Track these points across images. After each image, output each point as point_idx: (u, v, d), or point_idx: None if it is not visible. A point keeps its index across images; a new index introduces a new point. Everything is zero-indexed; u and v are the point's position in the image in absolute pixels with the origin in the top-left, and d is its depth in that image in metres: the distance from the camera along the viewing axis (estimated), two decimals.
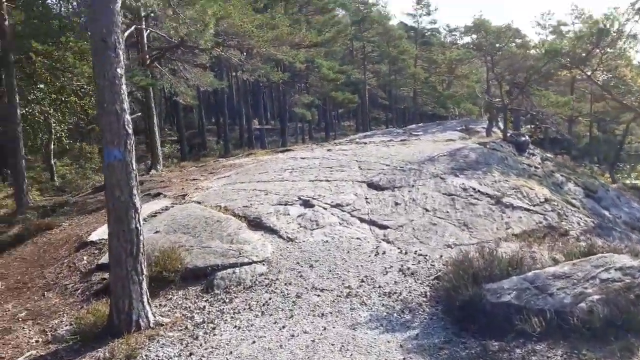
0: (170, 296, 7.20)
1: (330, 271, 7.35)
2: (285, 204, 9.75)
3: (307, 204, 9.75)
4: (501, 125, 17.57)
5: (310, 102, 34.04)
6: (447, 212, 9.26)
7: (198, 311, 6.65)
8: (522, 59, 18.40)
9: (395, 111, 52.62)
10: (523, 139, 14.70)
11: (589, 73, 9.10)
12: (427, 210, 9.34)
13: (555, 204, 9.56)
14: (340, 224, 8.93)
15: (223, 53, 20.44)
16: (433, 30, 50.79)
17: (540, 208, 9.34)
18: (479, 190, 9.89)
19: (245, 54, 24.07)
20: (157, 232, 9.09)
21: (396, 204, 9.64)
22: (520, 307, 5.52)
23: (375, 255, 7.89)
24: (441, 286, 6.73)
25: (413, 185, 10.39)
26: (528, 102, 16.93)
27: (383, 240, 8.41)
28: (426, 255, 7.83)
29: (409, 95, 51.88)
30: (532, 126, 25.38)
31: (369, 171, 11.56)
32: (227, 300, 6.80)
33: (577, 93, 31.84)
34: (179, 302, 6.97)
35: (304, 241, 8.30)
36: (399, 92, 49.78)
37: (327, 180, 11.11)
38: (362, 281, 7.08)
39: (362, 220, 9.10)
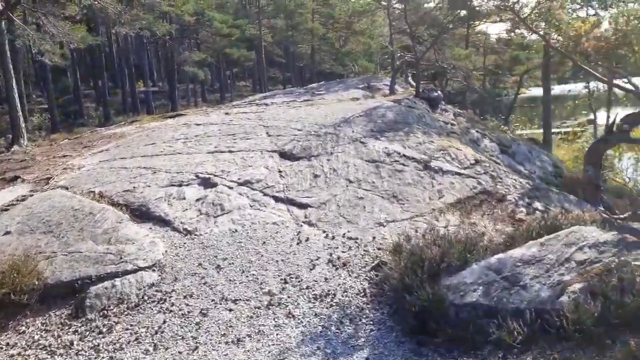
0: (23, 328, 5.21)
1: (244, 272, 5.77)
2: (180, 185, 7.87)
3: (207, 182, 7.94)
4: (411, 81, 16.75)
5: (202, 60, 31.02)
6: (373, 182, 8.00)
7: (63, 351, 4.76)
8: (430, 11, 17.56)
9: (294, 70, 50.67)
10: (435, 94, 13.89)
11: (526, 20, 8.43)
12: (350, 181, 8.00)
13: (487, 165, 8.74)
14: (251, 206, 7.29)
15: (96, 1, 17.20)
16: None
17: (472, 171, 8.44)
18: (404, 155, 8.74)
19: (123, 3, 20.74)
20: (6, 233, 6.84)
21: (315, 176, 8.18)
22: (491, 308, 4.39)
23: (298, 243, 6.42)
24: (381, 279, 5.48)
25: (332, 153, 8.97)
26: (440, 56, 16.25)
27: (304, 222, 6.94)
28: (357, 239, 6.52)
29: (306, 52, 50.12)
30: (436, 81, 25.24)
31: (280, 138, 9.93)
32: (104, 330, 4.97)
33: (471, 47, 32.30)
34: (36, 338, 5.03)
35: (206, 233, 6.58)
36: (296, 50, 47.83)
37: (231, 151, 9.32)
38: (285, 281, 5.60)
39: (277, 199, 7.53)
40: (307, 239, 6.50)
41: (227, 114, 14.11)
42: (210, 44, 33.78)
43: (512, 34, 31.85)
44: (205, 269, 5.80)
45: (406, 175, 8.14)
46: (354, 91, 23.26)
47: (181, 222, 6.79)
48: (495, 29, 33.21)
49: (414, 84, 16.00)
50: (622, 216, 8.20)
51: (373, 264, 5.92)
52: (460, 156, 8.89)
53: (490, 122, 18.46)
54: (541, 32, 8.79)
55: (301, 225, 6.86)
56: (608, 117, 8.90)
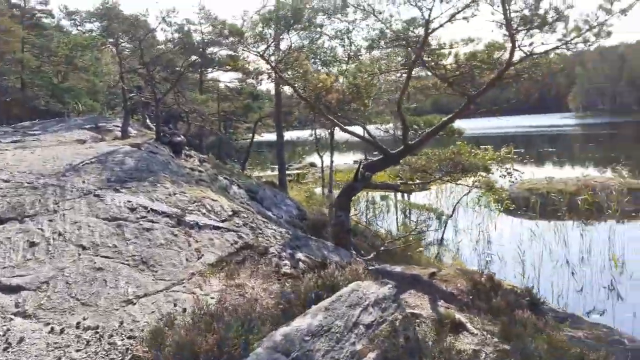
0: None
1: None
2: None
3: None
4: (149, 123, 15.32)
5: None
6: (115, 246, 6.46)
7: None
8: (164, 52, 16.58)
9: None
10: (179, 138, 12.91)
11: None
12: (84, 247, 6.28)
13: (246, 216, 8.13)
14: None
15: None
16: (44, 11, 43.03)
17: (231, 224, 7.71)
18: (152, 209, 7.43)
19: None
20: None
21: (32, 244, 6.15)
22: None
23: (5, 349, 4.48)
24: None
25: (56, 211, 7.01)
26: (181, 99, 15.31)
27: (17, 314, 4.98)
28: (98, 328, 4.95)
29: (15, 86, 42.68)
30: (176, 124, 24.20)
31: None
32: None
33: (206, 92, 32.61)
34: None
35: None
36: (3, 82, 40.13)
37: None
38: None
39: None
40: (21, 340, 4.62)
41: None
42: None
43: (244, 83, 33.61)
44: None
45: (157, 234, 6.87)
46: (79, 132, 20.40)
47: None
48: (227, 77, 34.34)
49: (152, 126, 14.69)
50: (368, 257, 8.67)
51: None
52: (216, 207, 8.08)
53: (234, 168, 18.40)
54: (291, 82, 8.90)
55: (11, 320, 4.89)
56: (358, 163, 9.50)
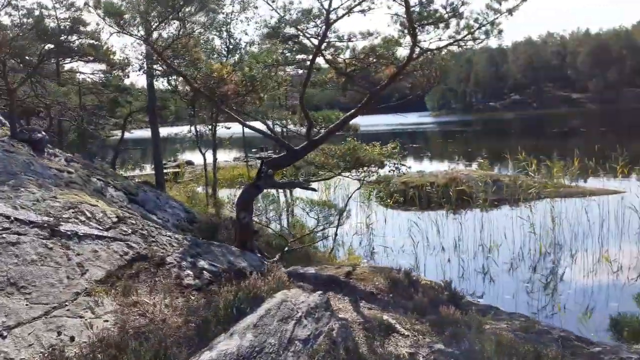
0: None
1: None
2: None
3: None
4: (1, 118, 13.01)
5: None
6: None
7: None
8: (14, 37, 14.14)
9: None
10: (40, 135, 11.08)
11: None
12: None
13: (134, 222, 7.09)
14: None
15: None
16: None
17: (117, 232, 6.66)
18: (17, 219, 6.12)
19: None
20: None
21: None
22: None
23: None
24: None
25: None
26: (41, 90, 13.16)
27: None
28: None
29: None
30: (34, 119, 21.08)
31: None
32: None
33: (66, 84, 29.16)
34: None
35: None
36: None
37: None
38: None
39: None
40: None
41: None
42: None
43: (109, 75, 30.65)
44: None
45: (27, 249, 5.66)
46: None
47: None
48: (88, 69, 31.10)
49: (6, 121, 12.53)
50: (273, 259, 8.21)
51: None
52: (97, 214, 6.97)
53: (107, 168, 16.56)
54: (181, 71, 8.00)
55: None
56: (260, 161, 8.92)
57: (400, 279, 6.56)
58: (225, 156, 39.45)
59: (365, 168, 10.14)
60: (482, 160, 27.76)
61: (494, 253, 13.56)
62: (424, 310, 5.52)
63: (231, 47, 21.18)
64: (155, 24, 7.64)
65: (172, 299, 5.57)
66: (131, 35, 7.58)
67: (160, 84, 22.29)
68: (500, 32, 7.42)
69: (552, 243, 14.04)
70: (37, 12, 24.06)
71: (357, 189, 14.23)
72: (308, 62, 9.69)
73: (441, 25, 7.81)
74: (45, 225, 6.19)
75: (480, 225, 15.70)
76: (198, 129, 19.68)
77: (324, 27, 7.85)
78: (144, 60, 19.51)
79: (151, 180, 21.12)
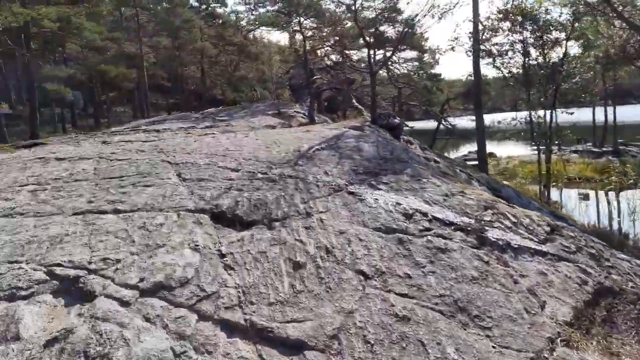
0: None
1: None
2: (11, 298, 3.47)
3: (73, 291, 3.63)
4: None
5: (70, 77, 25.10)
6: (409, 276, 4.23)
7: None
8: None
9: (183, 94, 45.47)
10: (397, 120, 10.71)
11: None
12: (366, 276, 4.17)
13: (572, 234, 5.41)
14: (176, 357, 3.12)
15: None
16: (218, 0, 44.87)
17: (557, 247, 5.01)
18: (434, 217, 5.13)
19: None
20: None
21: (297, 265, 4.22)
22: None
23: None
24: None
25: (309, 214, 5.08)
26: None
27: None
28: None
29: (195, 75, 45.43)
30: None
31: (203, 185, 5.83)
32: None
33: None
34: None
35: None
36: (184, 72, 42.89)
37: (118, 212, 5.02)
38: None
39: (232, 328, 3.47)
40: None
41: (105, 143, 9.57)
42: (82, 60, 27.98)
43: (422, 62, 30.72)
44: None
45: (459, 260, 4.51)
46: (265, 118, 19.69)
47: None
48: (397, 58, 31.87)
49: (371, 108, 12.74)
50: None
51: None
52: (522, 219, 5.50)
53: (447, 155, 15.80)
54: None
55: None
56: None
57: None
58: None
59: None
60: None
61: None
62: None
63: None
64: None
65: None
66: None
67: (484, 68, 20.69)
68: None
69: None
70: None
71: None
72: None
73: None
74: (469, 228, 4.98)
75: None
76: (532, 115, 17.11)
77: None
78: (471, 40, 18.07)
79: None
